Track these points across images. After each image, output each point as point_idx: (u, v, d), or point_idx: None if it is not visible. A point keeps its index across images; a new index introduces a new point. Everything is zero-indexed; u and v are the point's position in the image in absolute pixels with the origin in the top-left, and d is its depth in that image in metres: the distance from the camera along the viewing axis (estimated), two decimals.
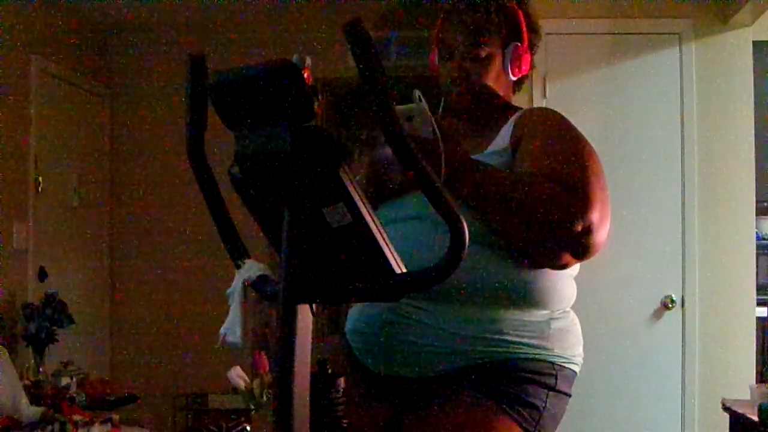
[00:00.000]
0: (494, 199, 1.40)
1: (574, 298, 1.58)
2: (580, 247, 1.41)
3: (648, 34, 3.73)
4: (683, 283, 3.64)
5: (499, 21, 1.60)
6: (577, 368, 1.55)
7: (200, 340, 4.39)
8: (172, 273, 4.78)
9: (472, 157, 1.46)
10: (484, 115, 1.64)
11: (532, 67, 1.68)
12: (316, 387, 1.19)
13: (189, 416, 4.66)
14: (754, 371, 3.59)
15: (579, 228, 1.38)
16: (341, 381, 1.27)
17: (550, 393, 1.47)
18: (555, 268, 1.48)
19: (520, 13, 1.64)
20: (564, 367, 1.50)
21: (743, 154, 3.66)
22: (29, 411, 3.18)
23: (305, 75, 1.03)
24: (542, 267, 1.47)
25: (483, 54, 1.60)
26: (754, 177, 3.66)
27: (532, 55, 1.66)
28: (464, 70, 1.60)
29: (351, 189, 1.03)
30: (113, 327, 4.89)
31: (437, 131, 1.33)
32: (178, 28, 4.82)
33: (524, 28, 1.63)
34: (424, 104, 1.29)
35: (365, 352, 1.56)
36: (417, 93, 1.29)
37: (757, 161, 3.67)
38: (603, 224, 1.41)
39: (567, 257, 1.44)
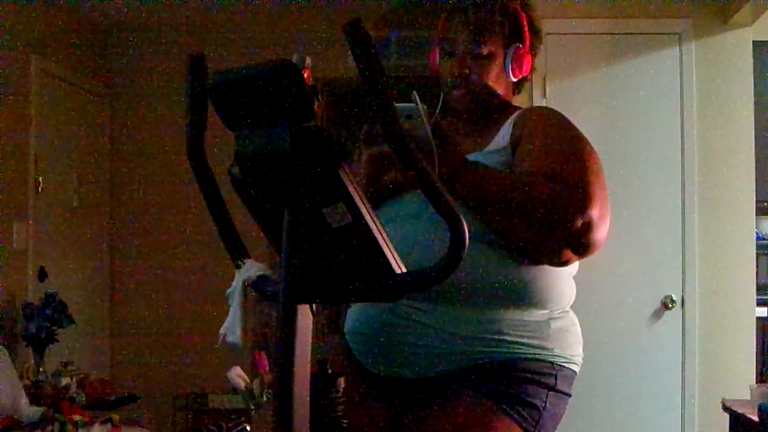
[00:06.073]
0: (493, 201, 1.40)
1: (574, 297, 1.58)
2: (581, 243, 1.41)
3: (648, 34, 3.73)
4: (683, 283, 3.64)
5: (501, 21, 1.61)
6: (576, 368, 1.55)
7: (200, 340, 4.39)
8: (172, 273, 4.78)
9: (472, 155, 1.47)
10: (484, 114, 1.64)
11: (532, 69, 1.68)
12: (316, 387, 1.19)
13: (189, 416, 4.66)
14: (754, 371, 3.59)
15: (579, 224, 1.39)
16: (341, 381, 1.27)
17: (550, 393, 1.47)
18: (556, 265, 1.48)
19: (523, 15, 1.64)
20: (564, 367, 1.50)
21: (743, 154, 3.66)
22: (29, 411, 3.18)
23: (305, 75, 1.04)
24: (543, 264, 1.47)
25: (485, 52, 1.60)
26: (754, 177, 3.66)
27: (533, 57, 1.67)
28: (466, 67, 1.61)
29: (351, 189, 1.03)
30: (113, 327, 4.89)
31: (431, 135, 1.33)
32: (178, 28, 4.82)
33: (526, 30, 1.64)
34: (422, 107, 1.30)
35: (364, 353, 1.56)
36: (415, 94, 1.29)
37: (757, 161, 3.66)
38: (603, 221, 1.42)
39: (568, 254, 1.44)
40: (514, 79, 1.66)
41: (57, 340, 3.83)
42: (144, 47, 4.92)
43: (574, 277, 1.59)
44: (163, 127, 4.70)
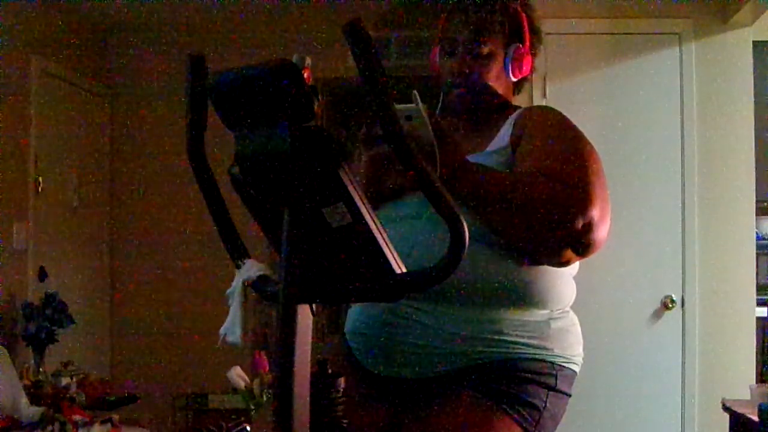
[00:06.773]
0: (493, 201, 1.40)
1: (574, 297, 1.58)
2: (581, 243, 1.41)
3: (648, 34, 3.73)
4: (683, 283, 3.64)
5: (502, 21, 1.62)
6: (577, 368, 1.55)
7: (200, 340, 4.39)
8: (172, 273, 4.78)
9: (472, 156, 1.47)
10: (484, 114, 1.64)
11: (532, 70, 1.68)
12: (316, 387, 1.19)
13: (189, 416, 4.66)
14: (754, 371, 3.59)
15: (579, 224, 1.38)
16: (341, 381, 1.27)
17: (550, 393, 1.47)
18: (556, 265, 1.48)
19: (523, 15, 1.65)
20: (564, 367, 1.50)
21: (743, 154, 3.66)
22: (29, 411, 3.18)
23: (305, 75, 1.03)
24: (543, 264, 1.47)
25: (485, 51, 1.61)
26: (754, 177, 3.66)
27: (533, 57, 1.67)
28: (466, 67, 1.61)
29: (351, 189, 1.03)
30: (113, 327, 4.89)
31: (432, 136, 1.33)
32: (178, 28, 4.82)
33: (526, 30, 1.64)
34: (423, 107, 1.29)
35: (365, 353, 1.56)
36: (415, 94, 1.29)
37: (757, 161, 3.66)
38: (603, 221, 1.41)
39: (568, 254, 1.44)
40: (514, 79, 1.66)
41: (57, 340, 3.83)
42: (144, 47, 4.92)
43: (574, 277, 1.59)
44: (163, 127, 4.70)
